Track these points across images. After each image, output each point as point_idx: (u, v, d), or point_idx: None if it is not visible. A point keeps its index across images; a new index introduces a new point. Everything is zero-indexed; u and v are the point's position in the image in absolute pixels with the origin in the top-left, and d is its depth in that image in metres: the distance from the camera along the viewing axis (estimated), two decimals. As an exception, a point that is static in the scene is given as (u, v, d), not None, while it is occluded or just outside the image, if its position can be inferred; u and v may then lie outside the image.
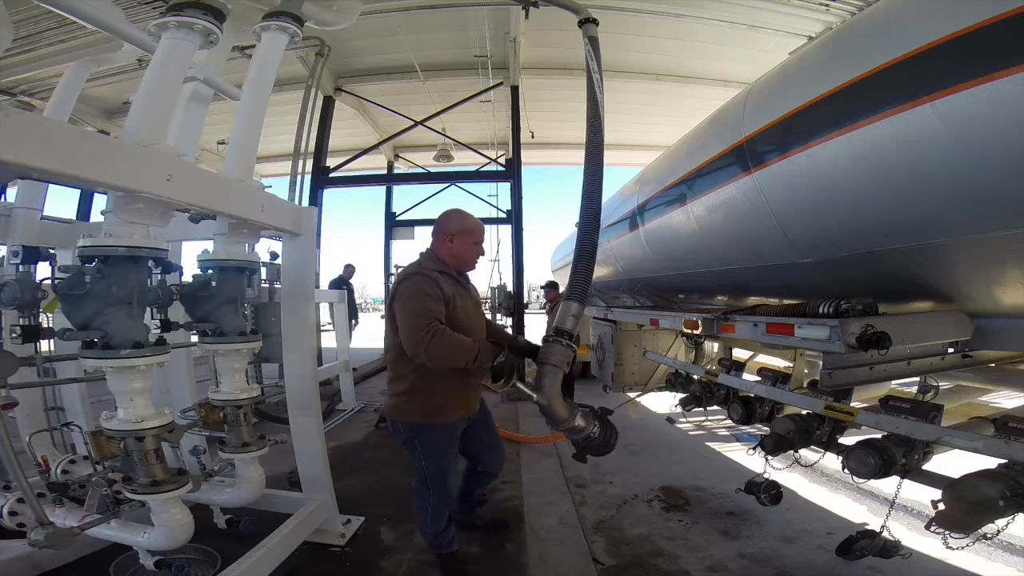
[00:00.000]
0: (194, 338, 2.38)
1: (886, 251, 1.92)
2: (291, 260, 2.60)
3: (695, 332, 3.18)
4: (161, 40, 1.84)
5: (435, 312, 1.99)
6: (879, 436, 2.04)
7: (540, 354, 2.01)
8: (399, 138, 8.43)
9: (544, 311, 8.40)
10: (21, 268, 2.08)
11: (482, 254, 2.31)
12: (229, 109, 2.79)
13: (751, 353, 3.51)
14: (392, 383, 2.23)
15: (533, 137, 8.24)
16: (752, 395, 2.97)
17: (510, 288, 8.17)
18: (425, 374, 2.07)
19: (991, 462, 1.73)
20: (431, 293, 2.03)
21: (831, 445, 2.34)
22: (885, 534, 2.22)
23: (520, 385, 1.97)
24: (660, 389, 4.71)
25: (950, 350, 2.28)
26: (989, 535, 1.81)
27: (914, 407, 1.93)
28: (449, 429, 2.23)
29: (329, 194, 8.21)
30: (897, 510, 2.38)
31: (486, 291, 11.87)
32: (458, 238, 2.22)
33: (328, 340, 6.36)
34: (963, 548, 1.89)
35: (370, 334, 12.38)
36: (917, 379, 2.47)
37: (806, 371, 2.93)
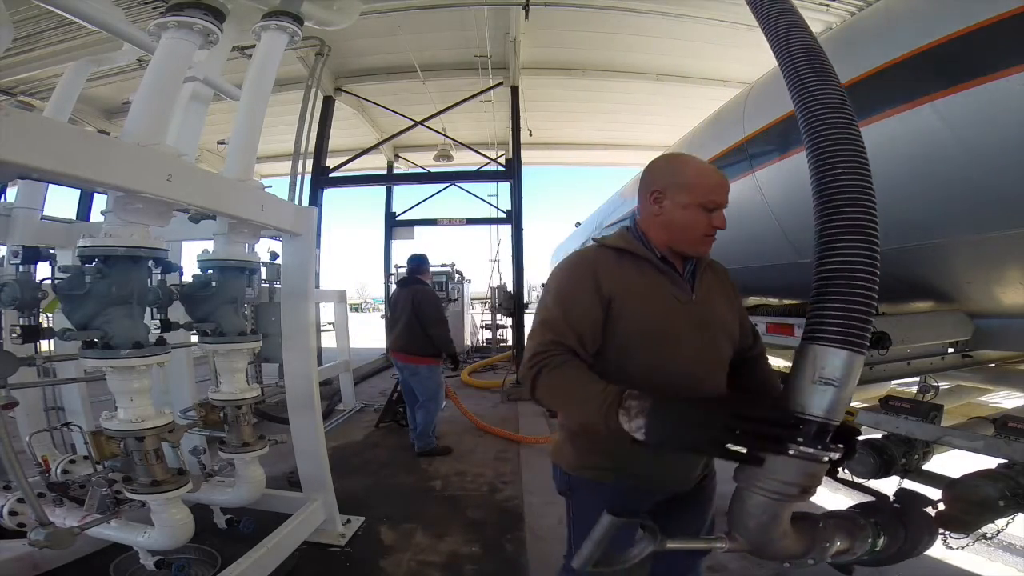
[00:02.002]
0: (194, 338, 2.38)
1: (886, 251, 1.91)
2: (291, 260, 2.60)
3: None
4: (161, 40, 1.84)
5: (565, 325, 1.15)
6: (879, 436, 2.04)
7: (738, 472, 1.04)
8: (399, 138, 8.43)
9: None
10: (21, 268, 2.07)
11: (715, 228, 1.21)
12: (229, 109, 2.80)
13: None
14: (560, 417, 1.44)
15: (531, 135, 8.24)
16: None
17: (510, 288, 8.17)
18: None
19: (991, 462, 1.73)
20: (573, 289, 1.20)
21: (831, 445, 2.34)
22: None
23: (695, 543, 1.06)
24: (660, 389, 4.70)
25: (950, 350, 2.28)
26: (989, 535, 1.81)
27: (914, 407, 1.93)
28: (619, 495, 1.25)
29: (329, 193, 8.21)
30: (897, 510, 2.38)
31: (486, 291, 11.87)
32: (670, 196, 1.24)
33: (328, 340, 6.36)
34: (963, 548, 1.89)
35: (370, 335, 12.41)
36: (917, 379, 2.48)
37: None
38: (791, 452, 0.97)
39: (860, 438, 1.14)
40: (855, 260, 0.99)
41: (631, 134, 9.22)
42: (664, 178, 1.27)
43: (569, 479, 1.35)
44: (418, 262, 4.41)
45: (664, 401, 0.96)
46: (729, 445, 0.89)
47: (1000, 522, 1.71)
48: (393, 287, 9.88)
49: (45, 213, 2.60)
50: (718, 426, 0.89)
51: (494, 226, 11.08)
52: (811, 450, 0.95)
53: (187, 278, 2.26)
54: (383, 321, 10.00)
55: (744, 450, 0.92)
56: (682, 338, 1.20)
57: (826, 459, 0.98)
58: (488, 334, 11.62)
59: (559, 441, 1.40)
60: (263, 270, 2.66)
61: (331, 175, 7.31)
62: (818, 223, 1.05)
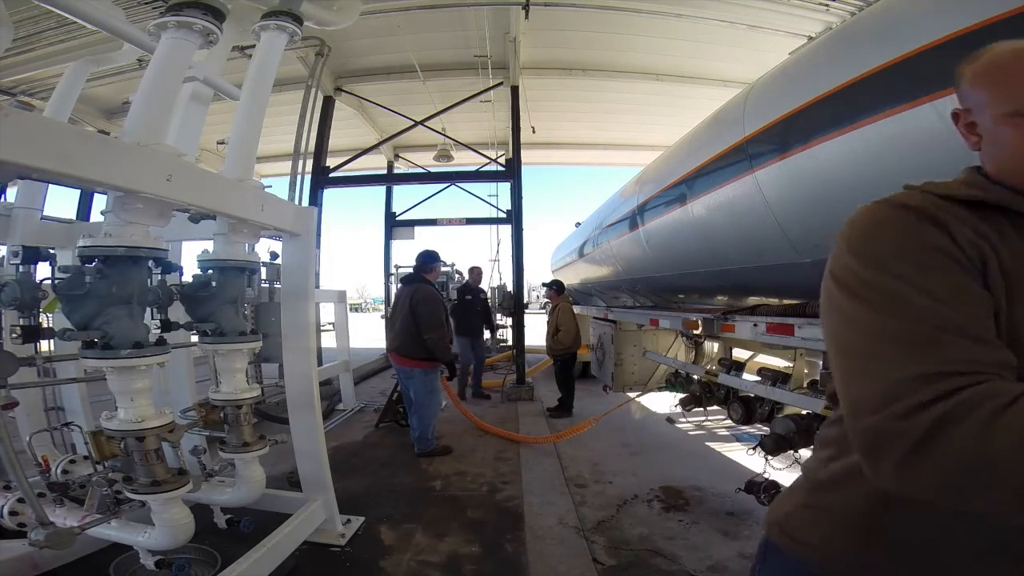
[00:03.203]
0: (194, 338, 2.38)
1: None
2: (291, 260, 2.60)
3: (695, 332, 3.19)
4: (161, 40, 1.84)
5: (965, 322, 0.52)
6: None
7: None
8: (399, 138, 8.42)
9: (545, 311, 8.43)
10: (21, 268, 2.07)
11: None
12: (229, 109, 2.80)
13: (751, 353, 3.51)
14: (809, 461, 0.86)
15: (535, 132, 8.22)
16: (752, 395, 2.98)
17: (510, 288, 8.18)
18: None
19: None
20: (930, 260, 0.57)
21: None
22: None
23: None
24: (660, 389, 4.73)
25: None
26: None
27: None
28: None
29: (329, 193, 8.21)
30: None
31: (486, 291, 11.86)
32: (978, 111, 0.71)
33: (328, 340, 6.36)
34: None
35: (371, 335, 12.41)
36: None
37: (806, 371, 2.93)
38: None
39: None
40: None
41: (631, 134, 9.22)
42: (965, 90, 0.75)
43: (766, 540, 0.88)
44: (424, 259, 4.33)
45: None
46: None
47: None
48: (394, 286, 9.98)
49: (45, 213, 2.60)
50: None
51: (494, 226, 11.09)
52: None
53: (187, 278, 2.26)
54: (383, 321, 10.02)
55: None
56: None
57: None
58: (488, 334, 11.61)
59: (789, 503, 0.84)
60: (263, 270, 2.67)
61: (331, 175, 7.30)
62: None
